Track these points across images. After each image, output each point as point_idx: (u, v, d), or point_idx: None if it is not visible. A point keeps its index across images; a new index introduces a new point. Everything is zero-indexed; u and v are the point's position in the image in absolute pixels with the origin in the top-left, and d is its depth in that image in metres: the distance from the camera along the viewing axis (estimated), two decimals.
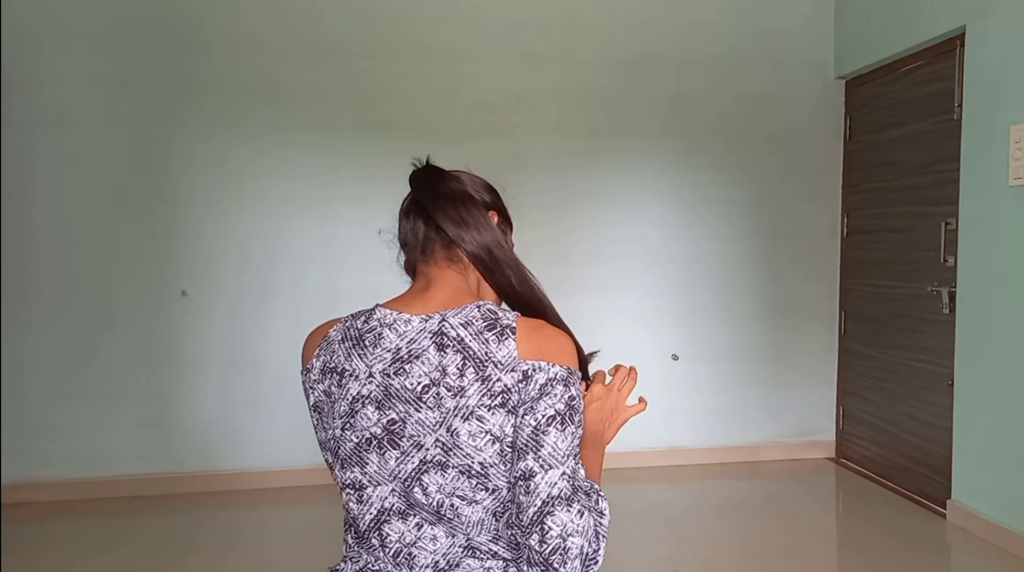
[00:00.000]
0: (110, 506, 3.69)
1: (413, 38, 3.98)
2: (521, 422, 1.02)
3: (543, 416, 1.02)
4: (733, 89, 4.25)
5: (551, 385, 1.04)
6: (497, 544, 1.08)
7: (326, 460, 1.15)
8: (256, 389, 3.92)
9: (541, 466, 1.01)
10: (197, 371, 3.90)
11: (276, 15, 3.89)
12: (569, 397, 1.05)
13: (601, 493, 1.09)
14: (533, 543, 0.99)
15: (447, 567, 1.06)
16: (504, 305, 1.18)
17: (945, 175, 3.52)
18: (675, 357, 4.30)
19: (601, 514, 1.05)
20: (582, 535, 1.00)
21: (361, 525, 1.08)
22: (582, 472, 1.06)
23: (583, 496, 1.03)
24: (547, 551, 0.98)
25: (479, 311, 1.09)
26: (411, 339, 1.08)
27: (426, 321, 1.09)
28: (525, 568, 1.01)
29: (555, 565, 0.98)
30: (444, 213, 1.15)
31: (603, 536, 1.04)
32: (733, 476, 4.14)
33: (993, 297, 3.19)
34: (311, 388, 1.14)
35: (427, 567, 1.06)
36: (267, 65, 3.89)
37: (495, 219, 1.21)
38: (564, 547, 0.98)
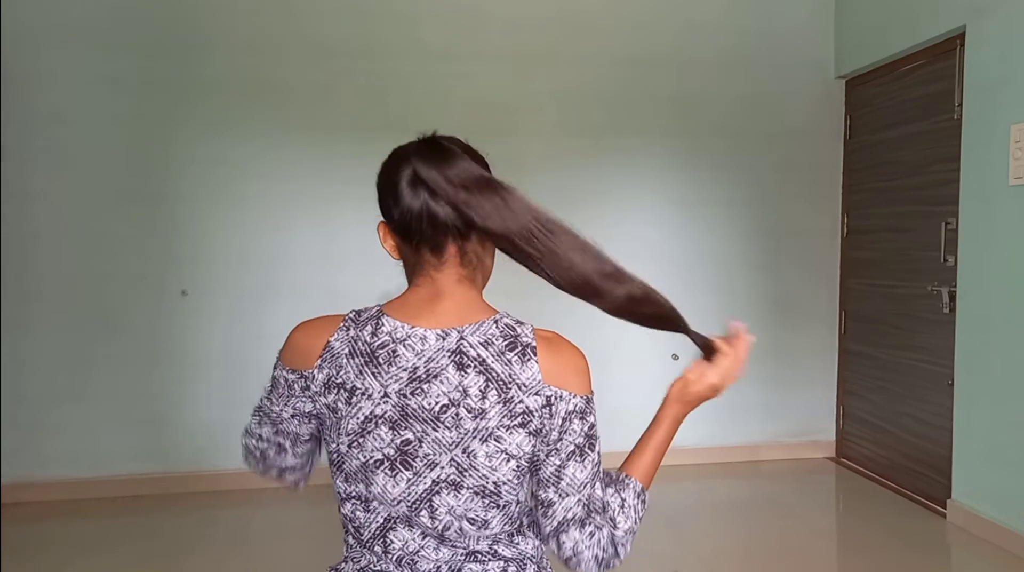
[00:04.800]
0: (110, 506, 3.69)
1: (413, 38, 3.98)
2: (545, 461, 1.06)
3: (565, 454, 1.06)
4: (733, 89, 4.25)
5: (570, 420, 1.05)
6: (498, 545, 1.08)
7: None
8: (256, 389, 3.90)
9: (559, 495, 1.06)
10: (197, 371, 3.90)
11: (276, 15, 3.89)
12: (586, 429, 1.06)
13: (621, 495, 1.11)
14: (552, 548, 1.09)
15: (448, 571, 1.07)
16: (516, 318, 1.11)
17: (945, 175, 3.52)
18: (675, 357, 4.30)
19: (615, 525, 1.09)
20: (591, 549, 1.07)
21: (365, 533, 1.07)
22: (598, 493, 1.09)
23: (596, 516, 1.08)
24: (562, 557, 1.08)
25: (497, 328, 1.05)
26: (429, 358, 1.02)
27: (443, 338, 1.03)
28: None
29: (571, 566, 1.08)
30: (483, 210, 1.00)
31: (620, 543, 1.09)
32: (733, 476, 4.14)
33: (993, 297, 3.19)
34: (312, 399, 1.08)
35: (429, 571, 1.06)
36: (267, 65, 3.89)
37: None
38: (576, 558, 1.07)
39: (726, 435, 4.36)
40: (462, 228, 1.04)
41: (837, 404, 4.46)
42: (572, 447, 1.05)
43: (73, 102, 3.76)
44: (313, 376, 1.07)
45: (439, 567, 1.06)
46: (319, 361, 1.06)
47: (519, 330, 1.05)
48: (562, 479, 1.05)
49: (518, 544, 1.09)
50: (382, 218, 1.10)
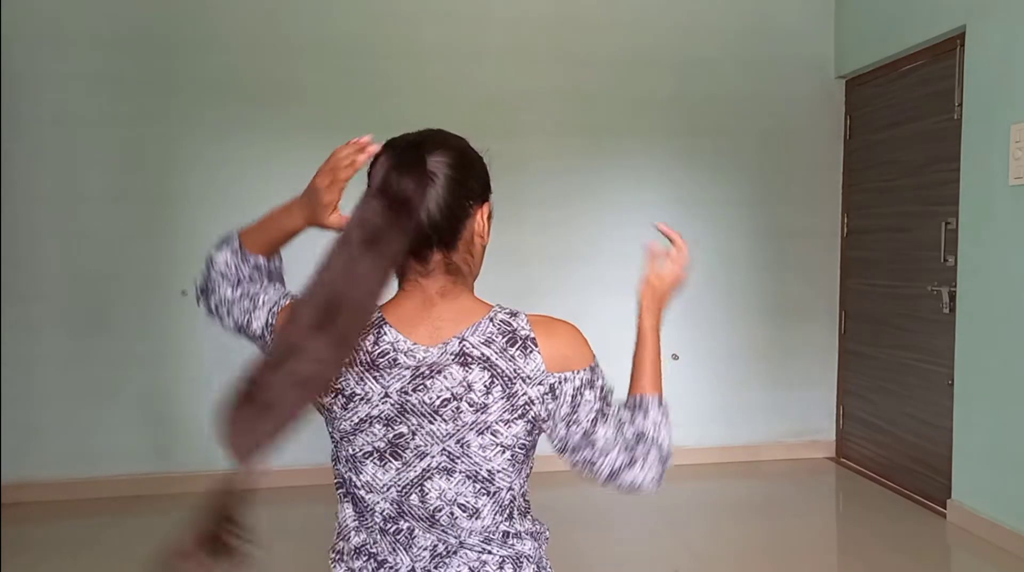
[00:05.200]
0: (110, 506, 3.69)
1: (414, 38, 3.98)
2: (569, 432, 1.08)
3: (588, 420, 1.08)
4: (733, 89, 4.25)
5: (580, 393, 1.07)
6: (489, 544, 1.08)
7: None
8: None
9: (600, 454, 1.10)
10: (197, 371, 3.90)
11: (276, 15, 3.89)
12: (599, 393, 1.09)
13: (648, 416, 1.15)
14: (612, 488, 1.15)
15: (445, 553, 1.06)
16: (509, 307, 1.12)
17: (945, 175, 3.52)
18: (675, 357, 4.30)
19: (660, 445, 1.14)
20: (648, 474, 1.12)
21: (360, 505, 1.08)
22: (630, 430, 1.13)
23: (640, 447, 1.13)
24: (624, 491, 1.15)
25: (494, 325, 1.05)
26: (432, 362, 1.03)
27: (444, 346, 1.03)
28: None
29: (634, 494, 1.15)
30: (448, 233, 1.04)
31: (668, 454, 1.15)
32: (733, 476, 4.14)
33: (993, 297, 3.19)
34: None
35: (425, 549, 1.06)
36: (267, 65, 3.89)
37: (486, 210, 1.11)
38: (638, 489, 1.14)
39: (726, 435, 4.36)
40: (446, 239, 1.05)
41: (837, 404, 4.46)
42: (593, 414, 1.08)
43: (72, 102, 3.76)
44: None
45: (435, 545, 1.06)
46: None
47: (515, 324, 1.06)
48: (596, 441, 1.09)
49: (514, 545, 1.09)
50: None
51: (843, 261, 4.41)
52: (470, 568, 1.06)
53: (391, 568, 1.06)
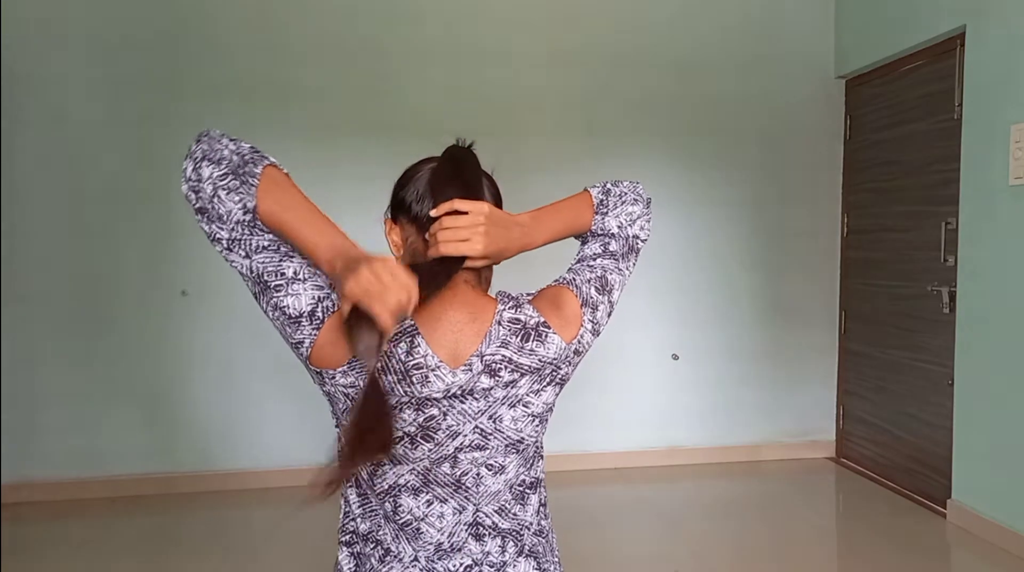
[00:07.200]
0: (110, 506, 3.69)
1: (413, 38, 3.98)
2: (603, 321, 1.15)
3: (606, 308, 1.15)
4: (733, 89, 4.25)
5: (593, 321, 1.12)
6: (501, 515, 1.09)
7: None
8: (256, 389, 3.92)
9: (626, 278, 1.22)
10: (197, 371, 3.91)
11: (276, 15, 3.89)
12: (595, 296, 1.14)
13: (611, 231, 1.23)
14: None
15: (449, 549, 1.07)
16: (510, 293, 1.12)
17: (945, 175, 3.52)
18: (675, 357, 4.30)
19: (640, 217, 1.26)
20: (648, 227, 1.26)
21: (367, 489, 1.08)
22: (615, 245, 1.21)
23: (630, 231, 1.24)
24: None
25: (503, 327, 1.06)
26: (462, 385, 1.04)
27: (469, 368, 1.04)
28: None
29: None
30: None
31: (639, 201, 1.30)
32: (733, 476, 4.14)
33: (993, 297, 3.19)
34: (322, 382, 1.05)
35: (429, 544, 1.06)
36: (267, 65, 3.89)
37: None
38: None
39: (726, 435, 4.36)
40: None
41: (837, 404, 4.46)
42: (607, 305, 1.15)
43: (73, 102, 3.76)
44: (335, 376, 1.03)
45: (440, 542, 1.07)
46: (346, 366, 1.02)
47: (522, 317, 1.08)
48: (614, 292, 1.17)
49: (516, 514, 1.10)
50: (387, 214, 1.16)
51: (843, 261, 4.41)
52: (473, 560, 1.08)
53: (395, 556, 1.07)
